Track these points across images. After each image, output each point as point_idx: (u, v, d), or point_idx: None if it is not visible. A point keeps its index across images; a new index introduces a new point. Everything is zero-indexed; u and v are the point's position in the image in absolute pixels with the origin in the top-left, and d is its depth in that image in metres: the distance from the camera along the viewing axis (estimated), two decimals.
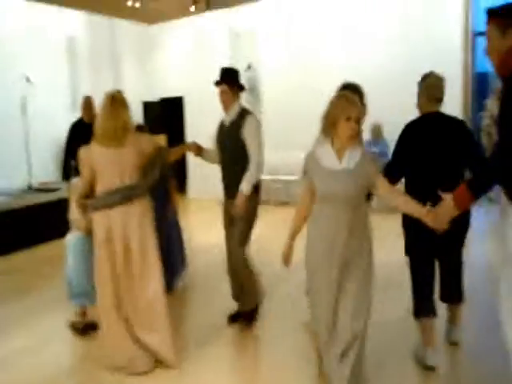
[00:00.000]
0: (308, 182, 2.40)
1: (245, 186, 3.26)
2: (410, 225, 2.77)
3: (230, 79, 3.36)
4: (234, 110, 3.34)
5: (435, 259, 2.91)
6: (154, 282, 2.97)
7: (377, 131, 6.94)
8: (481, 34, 7.76)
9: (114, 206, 2.89)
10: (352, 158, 2.30)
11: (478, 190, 2.00)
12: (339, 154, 2.32)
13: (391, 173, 2.77)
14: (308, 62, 7.73)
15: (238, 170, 3.31)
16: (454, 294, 3.02)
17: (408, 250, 2.95)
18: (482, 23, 8.04)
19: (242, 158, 3.30)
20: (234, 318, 3.57)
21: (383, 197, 2.34)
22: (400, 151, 2.86)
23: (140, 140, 3.01)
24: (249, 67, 8.21)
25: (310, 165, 2.38)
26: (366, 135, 6.43)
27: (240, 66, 8.05)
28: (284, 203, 7.92)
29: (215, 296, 4.08)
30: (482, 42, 8.75)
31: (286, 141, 7.89)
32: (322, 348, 2.45)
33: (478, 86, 7.19)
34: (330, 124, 2.30)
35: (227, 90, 3.32)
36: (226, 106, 3.36)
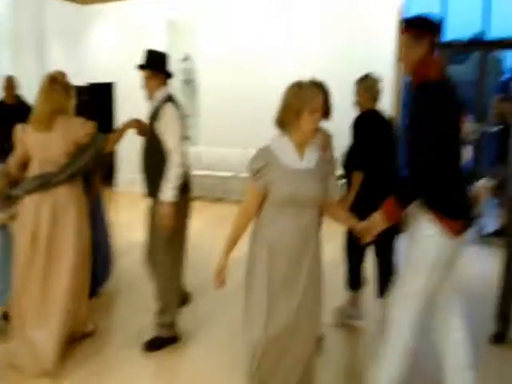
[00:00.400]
0: (262, 183, 2.07)
1: (164, 194, 2.82)
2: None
3: (154, 64, 3.00)
4: (157, 99, 2.97)
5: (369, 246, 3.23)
6: (60, 279, 2.78)
7: None
8: None
9: (29, 194, 2.74)
10: (312, 155, 2.14)
11: (405, 202, 2.11)
12: (299, 150, 2.11)
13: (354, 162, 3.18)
14: (248, 57, 7.63)
15: (151, 166, 2.95)
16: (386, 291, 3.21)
17: (347, 237, 3.33)
18: None
19: (156, 153, 2.91)
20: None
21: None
22: (359, 139, 3.18)
23: (72, 125, 2.86)
24: (186, 58, 7.98)
25: (266, 162, 2.06)
26: None
27: (176, 57, 7.79)
28: (220, 199, 7.81)
29: (142, 298, 3.85)
30: None
31: (223, 136, 7.78)
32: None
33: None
34: (291, 116, 2.06)
35: (151, 76, 2.97)
36: (150, 94, 3.01)
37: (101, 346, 3.11)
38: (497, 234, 5.52)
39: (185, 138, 3.00)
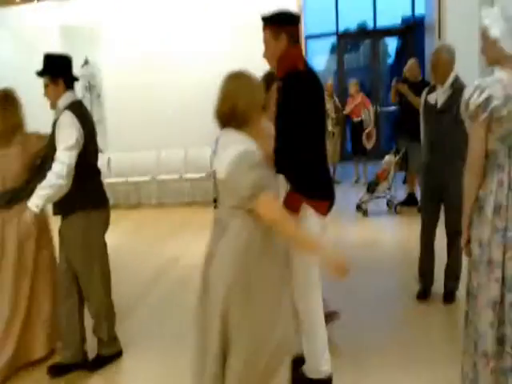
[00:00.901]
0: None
1: (34, 199, 2.51)
2: None
3: (53, 68, 2.72)
4: (59, 107, 2.70)
5: None
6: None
7: None
8: (309, 37, 8.51)
9: None
10: None
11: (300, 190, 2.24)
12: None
13: None
14: (154, 59, 7.38)
15: None
16: None
17: None
18: (310, 28, 8.83)
19: None
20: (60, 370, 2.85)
21: None
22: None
23: (30, 139, 2.94)
24: (86, 62, 7.58)
25: (261, 166, 1.88)
26: None
27: (76, 62, 7.36)
28: (135, 206, 7.57)
29: None
30: (309, 44, 9.61)
31: (132, 141, 7.51)
32: None
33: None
34: (257, 111, 1.92)
35: (51, 82, 2.70)
36: (51, 102, 2.75)
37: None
38: (405, 203, 6.01)
39: (95, 149, 2.84)
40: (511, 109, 1.94)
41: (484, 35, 2.05)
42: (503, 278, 1.98)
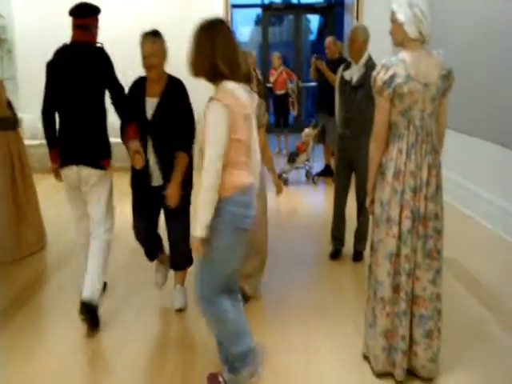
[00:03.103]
0: None
1: None
2: (134, 177, 2.97)
3: None
4: None
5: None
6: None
7: None
8: (235, 6, 8.51)
9: None
10: None
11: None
12: None
13: None
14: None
15: None
16: (182, 261, 3.03)
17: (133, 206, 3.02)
18: None
19: None
20: None
21: None
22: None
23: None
24: None
25: None
26: None
27: None
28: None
29: None
30: (235, 12, 9.59)
31: None
32: None
33: None
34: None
35: None
36: None
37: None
38: (321, 174, 6.39)
39: None
40: (411, 87, 2.19)
41: (392, 18, 2.28)
42: (399, 234, 2.27)
